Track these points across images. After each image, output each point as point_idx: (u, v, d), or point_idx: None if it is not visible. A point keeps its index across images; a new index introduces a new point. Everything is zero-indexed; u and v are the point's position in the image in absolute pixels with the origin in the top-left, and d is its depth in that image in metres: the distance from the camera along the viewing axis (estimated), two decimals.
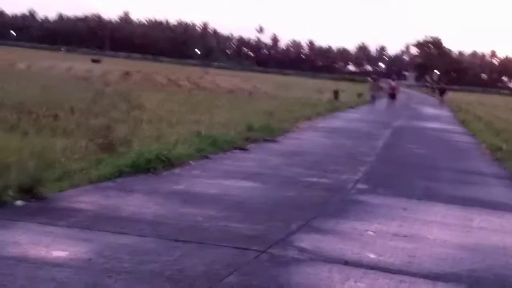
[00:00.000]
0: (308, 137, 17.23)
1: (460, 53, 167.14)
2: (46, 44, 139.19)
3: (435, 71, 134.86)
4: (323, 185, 9.75)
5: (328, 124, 22.31)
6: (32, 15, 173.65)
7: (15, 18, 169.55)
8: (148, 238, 5.87)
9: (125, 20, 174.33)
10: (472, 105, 52.38)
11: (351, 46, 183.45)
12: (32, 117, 13.19)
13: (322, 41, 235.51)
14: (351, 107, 35.02)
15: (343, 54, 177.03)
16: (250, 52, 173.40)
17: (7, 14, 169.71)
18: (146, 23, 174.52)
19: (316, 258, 5.75)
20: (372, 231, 6.96)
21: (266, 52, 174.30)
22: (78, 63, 57.61)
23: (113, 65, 63.63)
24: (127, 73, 46.22)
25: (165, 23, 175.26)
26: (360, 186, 9.96)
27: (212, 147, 12.09)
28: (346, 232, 6.84)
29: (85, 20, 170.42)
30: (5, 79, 24.29)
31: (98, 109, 16.87)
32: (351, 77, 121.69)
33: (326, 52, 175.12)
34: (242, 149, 12.91)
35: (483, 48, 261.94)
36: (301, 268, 5.42)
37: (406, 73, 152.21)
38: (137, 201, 7.43)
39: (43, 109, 14.48)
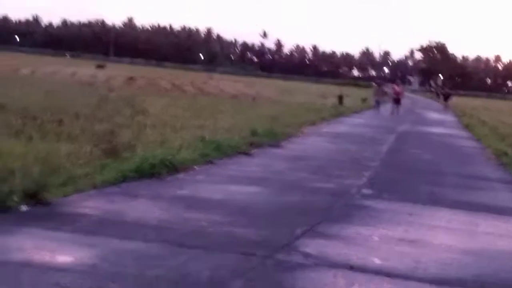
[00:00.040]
0: (312, 142, 17.22)
1: (464, 58, 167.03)
2: (50, 50, 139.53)
3: (440, 76, 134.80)
4: (328, 190, 9.73)
5: (332, 129, 22.28)
6: (36, 20, 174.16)
7: (19, 23, 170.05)
8: (152, 243, 5.86)
9: (129, 25, 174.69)
10: (476, 110, 52.31)
11: (355, 51, 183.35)
12: (36, 122, 13.21)
13: (326, 46, 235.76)
14: (356, 112, 34.99)
15: (347, 59, 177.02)
16: (254, 57, 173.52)
17: (11, 20, 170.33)
18: (150, 28, 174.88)
19: (321, 263, 5.73)
20: (377, 236, 6.94)
21: (270, 57, 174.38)
22: (82, 69, 57.78)
23: (117, 71, 63.77)
24: (131, 79, 46.34)
25: (169, 28, 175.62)
26: (364, 191, 9.93)
27: (216, 152, 12.08)
28: (351, 237, 6.82)
29: (89, 25, 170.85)
30: (10, 84, 24.36)
31: (102, 114, 16.89)
32: (355, 82, 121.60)
33: (330, 57, 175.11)
34: (246, 154, 12.90)
35: (487, 53, 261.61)
36: (306, 273, 5.40)
37: (411, 78, 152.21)
38: (142, 206, 7.42)
39: (47, 115, 14.51)
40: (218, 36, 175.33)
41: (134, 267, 5.15)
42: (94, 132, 12.71)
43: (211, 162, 11.23)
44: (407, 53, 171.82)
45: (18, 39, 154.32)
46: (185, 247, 5.82)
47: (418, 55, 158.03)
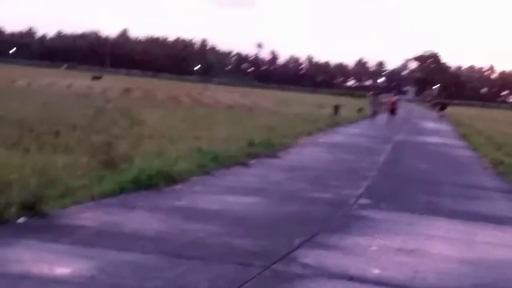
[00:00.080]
0: (309, 152, 17.23)
1: (458, 68, 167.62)
2: (46, 62, 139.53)
3: (434, 86, 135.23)
4: (325, 200, 9.73)
5: (329, 139, 22.31)
6: (31, 32, 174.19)
7: (14, 35, 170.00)
8: (150, 255, 5.85)
9: (124, 37, 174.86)
10: (472, 119, 52.46)
11: (350, 61, 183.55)
12: (33, 134, 13.18)
13: (321, 57, 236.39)
14: (352, 122, 35.06)
15: (342, 69, 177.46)
16: (249, 68, 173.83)
17: (7, 32, 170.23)
18: (145, 40, 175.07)
19: (320, 274, 5.72)
20: (375, 246, 6.93)
21: (266, 67, 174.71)
22: (79, 80, 57.80)
23: (114, 82, 63.81)
24: (127, 90, 46.39)
25: (164, 40, 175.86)
26: (362, 201, 9.94)
27: (213, 163, 12.08)
28: (350, 248, 6.81)
29: (84, 37, 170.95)
30: (6, 96, 24.34)
31: (99, 125, 16.89)
32: (351, 92, 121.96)
33: (325, 68, 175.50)
34: (244, 164, 12.90)
35: (481, 62, 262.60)
36: (305, 284, 5.39)
37: (406, 88, 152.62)
38: (139, 218, 7.41)
39: (44, 126, 14.49)
40: (214, 47, 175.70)
41: (132, 278, 5.13)
42: (91, 143, 12.70)
43: (208, 173, 11.23)
44: (402, 63, 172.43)
45: (13, 51, 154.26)
46: (183, 258, 5.81)
47: (413, 65, 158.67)
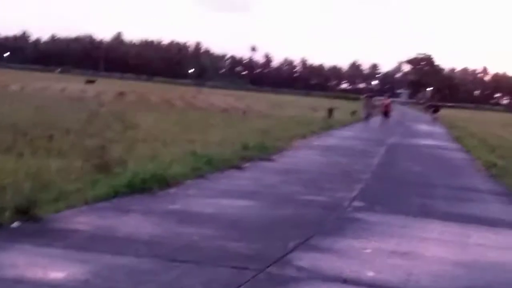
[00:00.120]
0: (303, 155, 17.25)
1: (452, 70, 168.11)
2: (39, 65, 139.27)
3: (428, 88, 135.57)
4: (320, 203, 9.74)
5: (323, 142, 22.34)
6: (25, 36, 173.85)
7: (8, 39, 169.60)
8: (145, 258, 5.84)
9: (118, 40, 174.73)
10: (465, 121, 52.60)
11: (344, 64, 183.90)
12: (27, 138, 13.16)
13: (315, 60, 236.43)
14: (345, 125, 35.10)
15: (336, 72, 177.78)
16: (243, 71, 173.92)
17: (0, 36, 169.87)
18: (139, 43, 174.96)
19: (315, 277, 5.73)
20: (369, 249, 6.95)
21: (260, 71, 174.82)
22: (72, 84, 57.71)
23: (107, 86, 63.73)
24: (121, 93, 46.36)
25: (158, 43, 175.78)
26: (356, 204, 9.95)
27: (207, 166, 12.08)
28: (344, 250, 6.83)
29: (78, 41, 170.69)
30: None
31: (92, 129, 16.87)
32: (345, 95, 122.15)
33: (319, 70, 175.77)
34: (238, 168, 12.91)
35: (475, 65, 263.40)
36: (300, 287, 5.40)
37: (399, 91, 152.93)
38: (133, 221, 7.41)
39: (37, 130, 14.47)
40: (207, 50, 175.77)
41: (126, 282, 5.13)
42: (84, 147, 12.68)
43: (202, 176, 11.22)
44: (396, 66, 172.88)
45: (7, 55, 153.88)
46: (177, 262, 5.81)
47: (406, 68, 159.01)
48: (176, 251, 6.19)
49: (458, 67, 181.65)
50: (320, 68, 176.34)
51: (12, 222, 6.63)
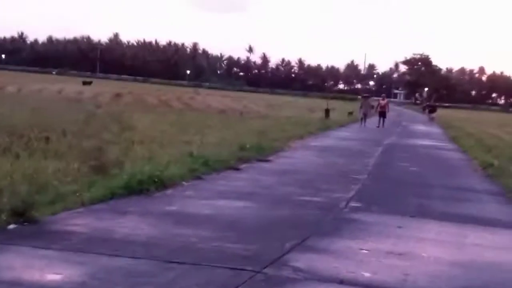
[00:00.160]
0: (300, 156, 17.26)
1: (449, 70, 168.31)
2: (36, 67, 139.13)
3: (425, 88, 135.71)
4: (316, 204, 9.75)
5: (320, 142, 22.35)
6: (22, 38, 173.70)
7: (4, 41, 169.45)
8: (141, 260, 5.85)
9: (115, 42, 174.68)
10: (462, 121, 52.65)
11: (341, 65, 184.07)
12: (23, 140, 13.15)
13: (312, 60, 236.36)
14: (342, 126, 35.12)
15: (333, 73, 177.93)
16: (240, 72, 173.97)
17: None
18: (136, 44, 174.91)
19: (311, 278, 5.74)
20: (366, 249, 6.95)
21: (257, 71, 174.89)
22: (69, 85, 57.65)
23: (104, 87, 63.68)
24: (118, 95, 46.34)
25: (155, 44, 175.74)
26: (353, 204, 9.96)
27: (204, 167, 12.08)
28: (341, 251, 6.83)
29: (75, 42, 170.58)
30: None
31: (89, 131, 16.84)
32: (341, 95, 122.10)
33: (316, 71, 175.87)
34: (235, 169, 12.91)
35: (471, 65, 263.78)
36: None
37: (396, 91, 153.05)
38: (130, 223, 7.41)
39: (34, 132, 14.44)
40: (204, 51, 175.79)
41: (123, 284, 5.14)
42: (81, 149, 12.67)
43: (199, 178, 11.23)
44: (392, 66, 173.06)
45: (3, 57, 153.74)
46: (174, 263, 5.82)
47: (403, 68, 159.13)
48: (173, 253, 6.19)
49: (455, 67, 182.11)
50: (317, 68, 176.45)
51: (9, 224, 6.64)
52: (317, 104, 60.04)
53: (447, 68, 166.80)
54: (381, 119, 37.70)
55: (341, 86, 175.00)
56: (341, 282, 5.67)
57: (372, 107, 42.45)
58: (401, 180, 13.72)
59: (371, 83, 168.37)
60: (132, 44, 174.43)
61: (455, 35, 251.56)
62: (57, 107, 26.71)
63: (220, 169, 12.48)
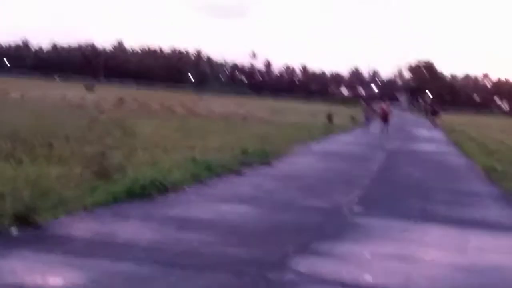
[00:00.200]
0: (303, 161, 17.26)
1: (453, 76, 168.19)
2: (40, 73, 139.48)
3: (428, 93, 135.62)
4: (319, 208, 9.75)
5: (322, 147, 22.35)
6: (26, 44, 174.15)
7: (8, 48, 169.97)
8: (144, 264, 5.85)
9: (119, 48, 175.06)
10: (465, 126, 52.61)
11: (344, 70, 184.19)
12: (26, 145, 13.18)
13: (315, 66, 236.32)
14: (345, 131, 35.13)
15: (336, 78, 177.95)
16: (243, 78, 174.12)
17: (1, 45, 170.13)
18: (139, 51, 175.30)
19: (313, 281, 5.74)
20: (368, 253, 6.95)
21: (260, 77, 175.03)
22: (72, 92, 57.75)
23: (107, 93, 63.78)
24: (121, 100, 46.36)
25: (158, 50, 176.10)
26: (356, 208, 9.96)
27: (207, 172, 12.09)
28: (343, 255, 6.83)
29: (79, 49, 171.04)
30: None
31: (92, 136, 16.88)
32: (345, 101, 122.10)
33: (319, 77, 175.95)
34: (238, 173, 12.92)
35: (476, 71, 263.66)
36: None
37: (400, 96, 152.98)
38: (133, 227, 7.42)
39: (37, 138, 14.48)
40: (208, 58, 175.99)
41: None
42: (84, 154, 12.69)
43: (202, 182, 11.24)
44: (396, 72, 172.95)
45: (7, 64, 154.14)
46: (176, 268, 5.82)
47: (407, 74, 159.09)
48: (176, 257, 6.20)
49: (459, 72, 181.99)
50: (320, 74, 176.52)
51: (12, 229, 6.65)
52: (320, 109, 60.07)
53: (451, 75, 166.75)
54: (384, 124, 37.66)
55: (344, 91, 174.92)
56: (343, 285, 5.67)
57: (375, 112, 42.42)
58: (404, 185, 13.71)
59: (375, 88, 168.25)
60: (136, 51, 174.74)
61: (459, 41, 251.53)
62: (60, 113, 26.79)
63: (222, 174, 12.49)
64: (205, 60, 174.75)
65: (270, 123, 34.88)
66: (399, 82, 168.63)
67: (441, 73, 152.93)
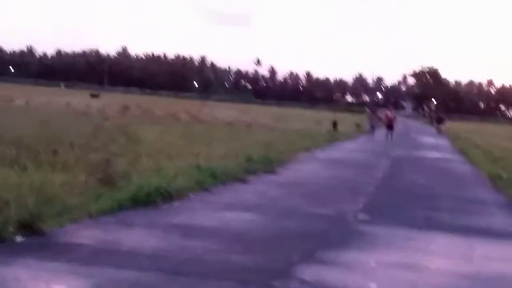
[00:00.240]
0: (308, 168, 17.23)
1: (457, 83, 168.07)
2: (44, 80, 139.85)
3: (433, 100, 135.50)
4: (324, 216, 9.72)
5: (327, 155, 22.32)
6: (30, 51, 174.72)
7: (13, 54, 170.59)
8: (148, 272, 5.84)
9: (123, 55, 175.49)
10: (470, 133, 52.49)
11: (348, 77, 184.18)
12: (31, 152, 13.19)
13: (319, 72, 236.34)
14: (350, 138, 35.08)
15: (341, 85, 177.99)
16: (248, 85, 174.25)
17: (6, 51, 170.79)
18: (144, 57, 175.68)
19: None
20: (373, 261, 6.92)
21: (264, 84, 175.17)
22: (77, 98, 57.87)
23: (112, 100, 63.91)
24: (125, 107, 46.43)
25: (163, 57, 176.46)
26: (360, 216, 9.93)
27: (211, 179, 12.08)
28: (348, 263, 6.81)
29: (83, 55, 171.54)
30: (4, 115, 24.37)
31: (97, 143, 16.88)
32: (349, 108, 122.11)
33: (323, 84, 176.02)
34: (242, 181, 12.90)
35: (480, 77, 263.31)
36: None
37: (404, 103, 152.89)
38: (137, 235, 7.41)
39: (42, 145, 14.49)
40: (212, 64, 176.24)
41: None
42: (89, 161, 12.69)
43: (206, 190, 11.23)
44: (400, 79, 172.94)
45: (12, 70, 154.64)
46: (181, 275, 5.80)
47: (411, 81, 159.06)
48: (180, 265, 6.18)
49: (463, 79, 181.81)
50: (325, 81, 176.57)
51: (16, 236, 6.64)
52: (325, 116, 60.05)
53: (455, 81, 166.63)
54: (389, 131, 37.62)
55: (348, 98, 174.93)
56: None
57: (380, 119, 42.39)
58: (409, 192, 13.67)
59: (379, 95, 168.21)
60: (141, 57, 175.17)
61: (463, 47, 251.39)
62: (64, 119, 26.82)
63: (227, 181, 12.47)
64: (209, 66, 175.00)
65: (275, 130, 34.88)
66: (404, 88, 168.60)
67: (446, 80, 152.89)
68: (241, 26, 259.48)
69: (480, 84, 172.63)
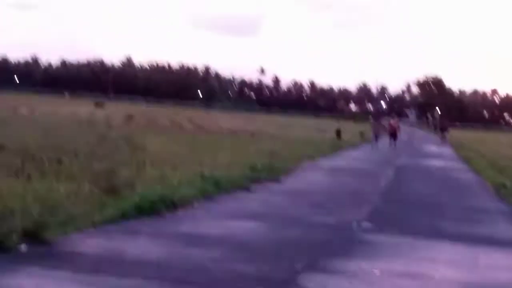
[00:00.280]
0: (312, 177, 17.23)
1: (461, 92, 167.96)
2: (49, 90, 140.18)
3: (437, 109, 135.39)
4: (328, 225, 9.72)
5: (331, 163, 22.31)
6: (35, 61, 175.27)
7: (18, 64, 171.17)
8: (152, 281, 5.84)
9: (128, 64, 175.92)
10: (474, 142, 52.42)
11: (352, 86, 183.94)
12: (35, 161, 13.22)
13: (323, 81, 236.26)
14: (354, 146, 35.08)
15: (345, 94, 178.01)
16: (252, 94, 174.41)
17: (11, 61, 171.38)
18: (148, 67, 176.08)
19: None
20: (378, 270, 6.91)
21: (268, 93, 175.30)
22: (81, 108, 57.99)
23: (116, 109, 64.03)
24: (130, 117, 46.50)
25: (167, 66, 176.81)
26: (365, 225, 9.92)
27: (215, 188, 12.09)
28: (352, 272, 6.80)
29: (88, 65, 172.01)
30: (9, 124, 24.44)
31: (101, 152, 16.91)
32: (353, 117, 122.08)
33: (327, 92, 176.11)
34: (246, 189, 12.91)
35: (484, 86, 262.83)
36: None
37: (408, 112, 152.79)
38: (141, 244, 7.41)
39: (46, 154, 14.52)
40: (216, 74, 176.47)
41: None
42: (93, 170, 12.71)
43: (210, 198, 11.23)
44: (404, 88, 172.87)
45: (17, 80, 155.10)
46: (185, 284, 5.81)
47: (415, 89, 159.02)
48: (184, 273, 6.18)
49: (468, 88, 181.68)
50: (328, 90, 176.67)
51: (20, 245, 6.65)
52: (328, 125, 60.06)
53: (459, 90, 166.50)
54: (392, 139, 37.59)
55: (352, 107, 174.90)
56: None
57: (384, 128, 42.37)
58: (413, 201, 13.65)
59: (383, 104, 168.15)
60: (145, 67, 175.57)
61: (467, 56, 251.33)
62: (69, 129, 26.88)
63: (231, 190, 12.48)
64: (213, 76, 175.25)
65: (279, 139, 34.87)
66: (408, 97, 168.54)
67: (450, 89, 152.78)
68: (245, 36, 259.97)
69: (484, 93, 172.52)
